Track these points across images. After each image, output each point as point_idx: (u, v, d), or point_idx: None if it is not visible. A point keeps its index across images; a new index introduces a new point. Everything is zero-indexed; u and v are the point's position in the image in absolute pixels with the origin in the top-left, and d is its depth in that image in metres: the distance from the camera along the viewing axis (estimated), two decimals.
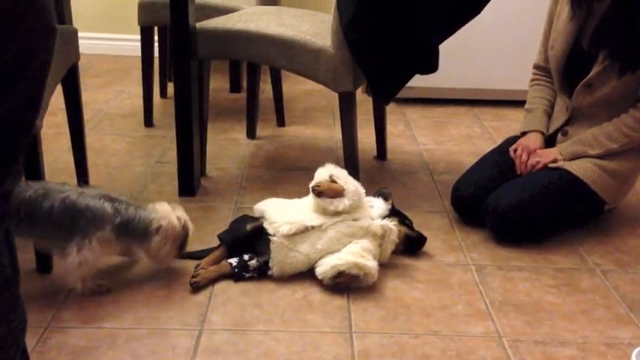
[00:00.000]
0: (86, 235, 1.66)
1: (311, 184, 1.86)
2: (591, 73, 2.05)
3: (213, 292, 1.76)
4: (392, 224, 1.87)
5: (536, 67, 2.31)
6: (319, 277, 1.79)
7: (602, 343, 1.61)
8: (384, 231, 1.85)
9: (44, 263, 1.82)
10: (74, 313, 1.65)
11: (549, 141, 2.20)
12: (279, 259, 1.79)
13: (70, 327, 1.60)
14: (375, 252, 1.82)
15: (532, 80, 2.32)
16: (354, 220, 1.83)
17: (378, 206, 1.93)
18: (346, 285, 1.77)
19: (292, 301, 1.74)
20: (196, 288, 1.76)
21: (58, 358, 1.50)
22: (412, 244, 1.97)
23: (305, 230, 1.81)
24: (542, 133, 2.18)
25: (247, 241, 1.84)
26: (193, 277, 1.77)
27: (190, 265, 1.84)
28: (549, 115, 2.22)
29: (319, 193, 1.83)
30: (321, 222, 1.82)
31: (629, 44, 1.99)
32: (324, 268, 1.77)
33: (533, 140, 2.17)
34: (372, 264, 1.77)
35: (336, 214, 1.83)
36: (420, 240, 1.99)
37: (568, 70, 2.14)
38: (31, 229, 1.65)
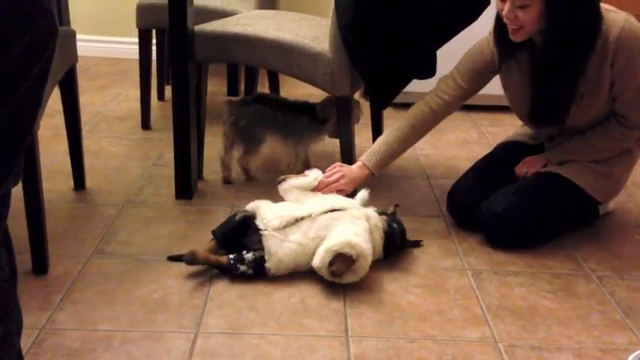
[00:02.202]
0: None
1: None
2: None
3: (209, 295, 1.76)
4: (372, 211, 1.93)
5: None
6: (316, 269, 1.80)
7: (597, 349, 1.62)
8: (367, 216, 1.90)
9: (40, 265, 1.81)
10: (69, 316, 1.65)
11: (538, 147, 2.21)
12: (274, 250, 1.80)
13: (66, 329, 1.60)
14: (367, 236, 1.85)
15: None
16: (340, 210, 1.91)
17: (358, 197, 1.99)
18: (341, 273, 1.77)
19: (288, 304, 1.74)
20: (190, 262, 1.79)
21: None
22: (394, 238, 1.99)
23: (294, 222, 1.84)
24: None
25: (238, 232, 1.86)
26: (188, 254, 1.79)
27: (186, 268, 1.84)
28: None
29: (282, 180, 2.01)
30: (309, 212, 1.86)
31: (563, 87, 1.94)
32: (320, 255, 1.78)
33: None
34: (365, 245, 1.79)
35: (315, 191, 2.00)
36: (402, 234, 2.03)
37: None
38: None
